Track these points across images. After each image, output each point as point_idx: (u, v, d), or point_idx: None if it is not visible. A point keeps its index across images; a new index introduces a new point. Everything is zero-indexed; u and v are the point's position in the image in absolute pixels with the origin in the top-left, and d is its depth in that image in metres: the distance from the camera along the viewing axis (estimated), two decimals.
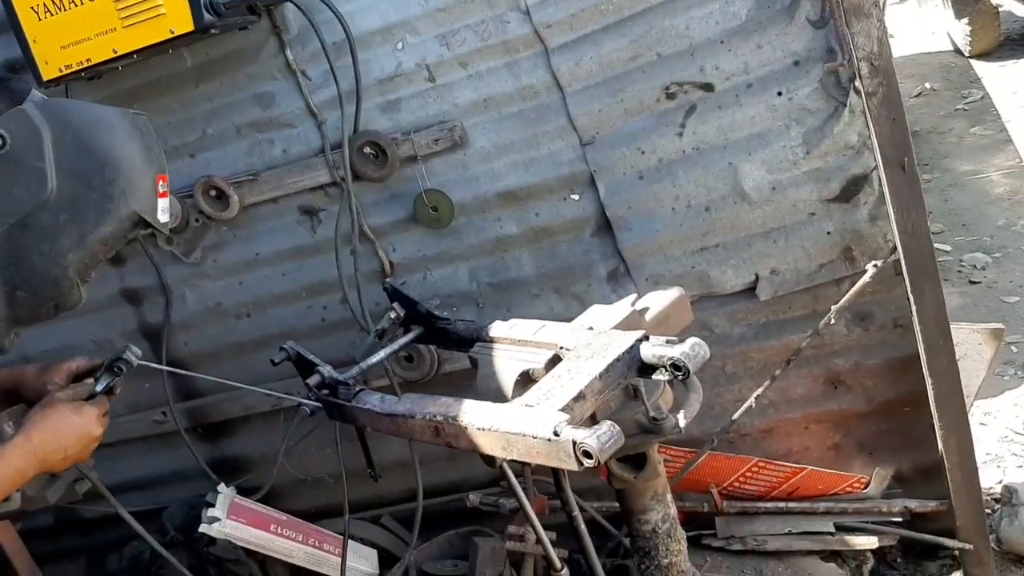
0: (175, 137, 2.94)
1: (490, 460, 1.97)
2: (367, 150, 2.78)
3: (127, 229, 1.80)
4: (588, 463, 1.69)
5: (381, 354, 2.44)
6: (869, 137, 2.52)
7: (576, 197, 2.78)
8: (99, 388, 1.98)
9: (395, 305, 2.56)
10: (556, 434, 1.72)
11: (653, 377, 1.96)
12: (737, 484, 3.02)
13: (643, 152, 2.68)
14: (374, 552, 3.24)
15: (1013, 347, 4.37)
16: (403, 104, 2.77)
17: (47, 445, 1.84)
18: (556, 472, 1.93)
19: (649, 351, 1.93)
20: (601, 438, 1.67)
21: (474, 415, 1.91)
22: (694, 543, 2.95)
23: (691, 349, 1.86)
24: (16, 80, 1.84)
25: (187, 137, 2.95)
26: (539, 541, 2.10)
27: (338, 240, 2.90)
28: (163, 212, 1.86)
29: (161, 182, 1.85)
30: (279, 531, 3.01)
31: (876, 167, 2.53)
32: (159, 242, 3.04)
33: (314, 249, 3.01)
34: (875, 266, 2.64)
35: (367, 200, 2.90)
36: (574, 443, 1.69)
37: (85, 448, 1.92)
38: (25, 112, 1.68)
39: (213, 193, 2.93)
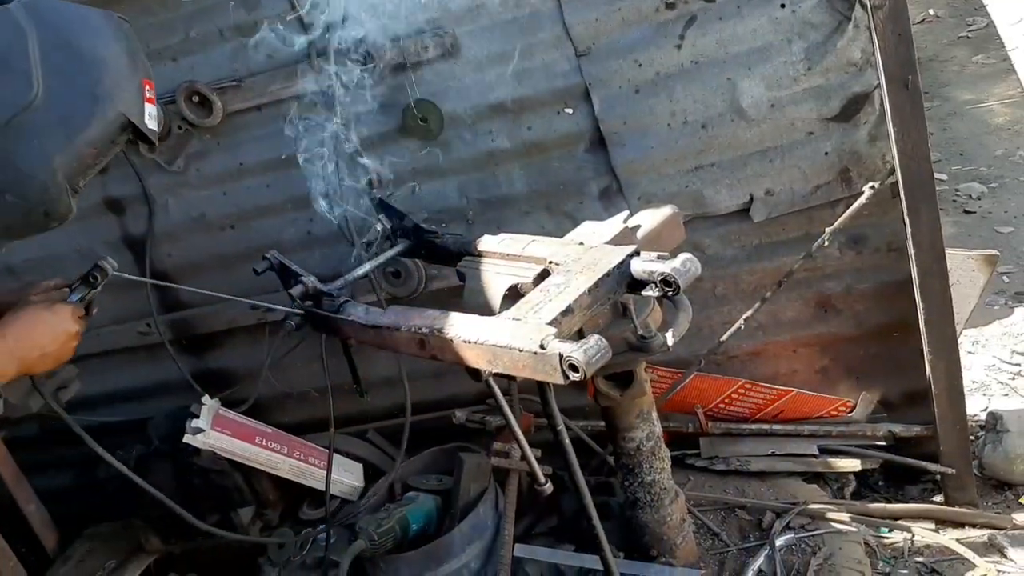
0: (156, 39, 2.83)
1: (476, 374, 1.94)
2: (354, 56, 2.69)
3: (115, 132, 1.76)
4: (574, 377, 1.67)
5: (367, 266, 2.41)
6: (873, 53, 2.44)
7: (570, 111, 2.71)
8: (74, 298, 1.97)
9: (382, 217, 2.52)
10: (543, 347, 1.70)
11: (643, 293, 1.93)
12: (723, 405, 3.02)
13: (640, 65, 2.60)
14: (359, 466, 3.26)
15: (1005, 277, 4.35)
16: (391, 8, 2.66)
17: (22, 342, 1.83)
18: (542, 387, 1.90)
19: (640, 267, 1.90)
20: (588, 352, 1.65)
21: (460, 328, 1.88)
22: (678, 463, 2.97)
23: (682, 265, 1.83)
24: None
25: (169, 40, 2.85)
26: (524, 457, 2.09)
27: (325, 150, 2.83)
28: (150, 118, 1.82)
29: (147, 87, 1.81)
30: (264, 443, 3.01)
31: (879, 85, 2.46)
32: (141, 150, 2.96)
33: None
34: (872, 188, 2.60)
35: (354, 110, 2.81)
36: (560, 356, 1.66)
37: (63, 345, 1.91)
38: (10, 12, 1.64)
39: (196, 99, 2.85)
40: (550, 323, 1.78)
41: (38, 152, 1.68)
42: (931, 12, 8.27)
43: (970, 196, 5.30)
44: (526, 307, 1.89)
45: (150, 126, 1.83)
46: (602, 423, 2.83)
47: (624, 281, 1.93)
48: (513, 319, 1.86)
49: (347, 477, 3.16)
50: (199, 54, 2.86)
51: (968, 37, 7.65)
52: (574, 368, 1.66)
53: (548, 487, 2.23)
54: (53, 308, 1.90)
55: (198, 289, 2.37)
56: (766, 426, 2.97)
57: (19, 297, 2.01)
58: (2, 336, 1.82)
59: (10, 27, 1.63)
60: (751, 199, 2.71)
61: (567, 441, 1.99)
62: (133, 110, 1.77)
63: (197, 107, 2.86)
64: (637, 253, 1.93)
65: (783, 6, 2.49)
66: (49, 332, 1.88)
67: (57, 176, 1.70)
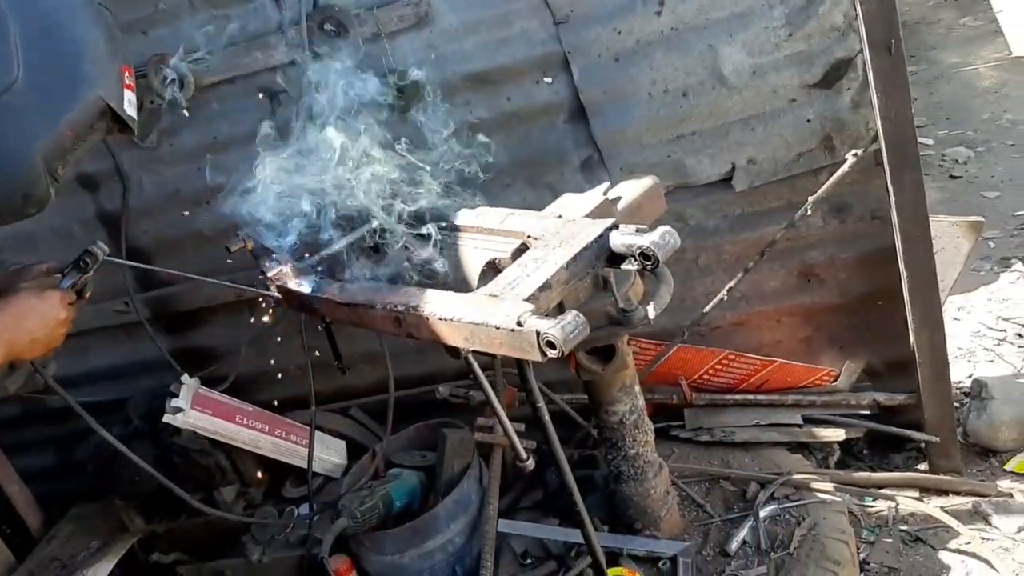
0: (125, 12, 2.75)
1: (455, 352, 1.92)
2: (327, 26, 2.63)
3: (94, 117, 1.76)
4: (552, 353, 1.64)
5: (342, 242, 2.37)
6: (856, 18, 2.40)
7: (549, 80, 2.66)
8: (65, 284, 1.95)
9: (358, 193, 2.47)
10: (520, 324, 1.67)
11: (622, 267, 1.89)
12: (707, 377, 3.01)
13: (619, 33, 2.56)
14: (342, 443, 3.24)
15: (991, 242, 4.33)
16: None
17: (11, 329, 1.82)
18: (520, 363, 1.88)
19: (618, 240, 1.86)
20: (566, 328, 1.62)
21: (436, 305, 1.85)
22: (662, 434, 2.96)
23: (661, 238, 1.79)
24: None
25: (139, 12, 2.78)
26: (504, 430, 2.07)
27: (299, 123, 2.77)
28: (129, 104, 1.83)
29: (127, 74, 1.83)
30: (245, 422, 2.98)
31: (861, 50, 2.42)
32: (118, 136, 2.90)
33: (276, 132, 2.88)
34: (855, 155, 2.57)
35: (328, 81, 2.75)
36: (538, 333, 1.63)
37: (52, 332, 1.89)
38: None
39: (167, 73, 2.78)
40: (527, 299, 1.75)
41: (17, 134, 1.67)
42: None
43: (956, 161, 5.27)
44: (503, 283, 1.86)
45: (129, 112, 1.84)
46: (586, 396, 2.81)
47: (603, 255, 1.89)
48: (490, 295, 1.82)
49: (330, 455, 3.14)
50: (170, 26, 2.79)
51: None
52: (551, 345, 1.63)
53: (530, 463, 2.21)
54: (43, 295, 1.88)
55: (177, 272, 2.33)
56: (750, 396, 2.96)
57: (9, 283, 2.00)
58: None
59: None
60: (733, 168, 2.68)
61: (547, 417, 1.97)
62: (112, 95, 1.77)
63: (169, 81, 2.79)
64: (616, 226, 1.89)
65: None
66: (39, 319, 1.86)
67: (35, 158, 1.69)
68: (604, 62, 2.60)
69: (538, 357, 1.67)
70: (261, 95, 2.84)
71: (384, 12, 2.61)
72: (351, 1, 2.63)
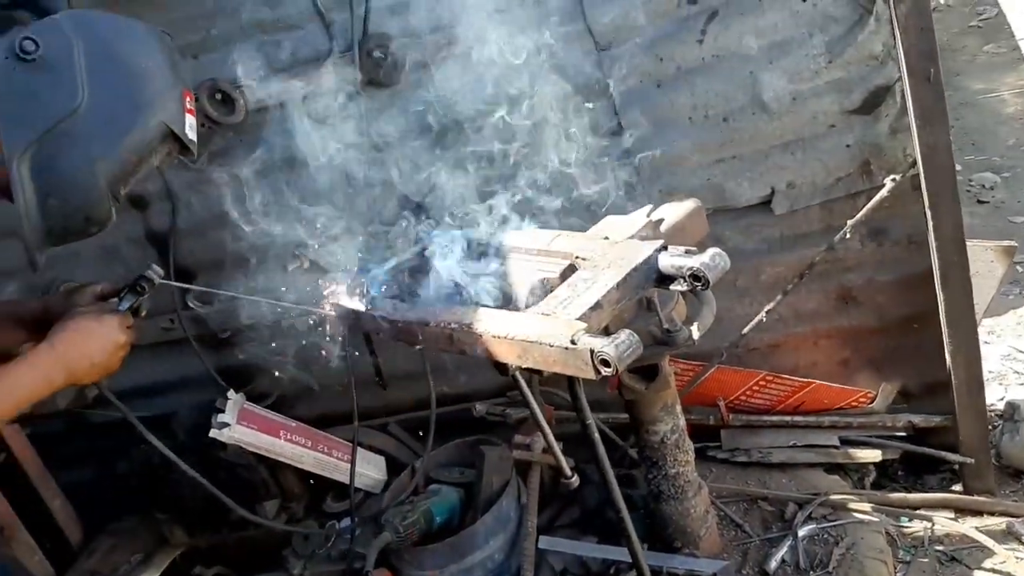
0: (178, 36, 2.78)
1: (503, 369, 1.96)
2: (376, 54, 2.70)
3: (156, 141, 1.81)
4: (605, 371, 1.68)
5: (392, 262, 2.42)
6: (895, 47, 2.45)
7: (590, 106, 2.72)
8: (122, 307, 1.99)
9: (405, 213, 2.54)
10: (573, 343, 1.71)
11: (671, 287, 1.94)
12: (744, 398, 3.04)
13: (661, 59, 2.62)
14: (382, 459, 3.28)
15: (1019, 267, 4.35)
16: (412, 5, 2.67)
17: (71, 352, 1.85)
18: (571, 381, 1.92)
19: (667, 261, 1.91)
20: (620, 347, 1.67)
21: (489, 322, 1.90)
22: (699, 455, 2.98)
23: (711, 259, 1.84)
24: None
25: (190, 37, 2.86)
26: (549, 448, 2.11)
27: (347, 149, 2.85)
28: (191, 128, 1.88)
29: (187, 99, 1.88)
30: (288, 437, 3.04)
31: (900, 78, 2.47)
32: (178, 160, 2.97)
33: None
34: (893, 180, 2.61)
35: (378, 107, 2.83)
36: (592, 352, 1.68)
37: (111, 356, 1.93)
38: (58, 22, 1.71)
39: (219, 97, 2.86)
40: (579, 318, 1.80)
41: (82, 157, 1.73)
42: (941, 0, 8.24)
43: (983, 186, 5.30)
44: (555, 302, 1.91)
45: (190, 136, 1.89)
46: (623, 416, 2.84)
47: (652, 276, 1.94)
48: (542, 314, 1.87)
49: (370, 470, 3.19)
50: (221, 51, 2.87)
51: (978, 26, 7.63)
52: (605, 363, 1.67)
53: (575, 480, 2.26)
54: (102, 319, 1.92)
55: (232, 293, 2.36)
56: (787, 418, 2.99)
57: (63, 304, 2.05)
58: (52, 346, 1.84)
59: (58, 36, 1.69)
60: (773, 192, 2.73)
61: (596, 434, 2.01)
62: (174, 119, 1.83)
63: (220, 105, 2.87)
64: (664, 248, 1.94)
65: (804, 0, 2.50)
66: (98, 343, 1.89)
67: (99, 181, 1.75)
68: (645, 88, 2.66)
69: (592, 375, 1.71)
70: (309, 120, 2.91)
71: (430, 40, 2.67)
72: (398, 29, 2.70)
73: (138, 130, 1.78)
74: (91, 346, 1.89)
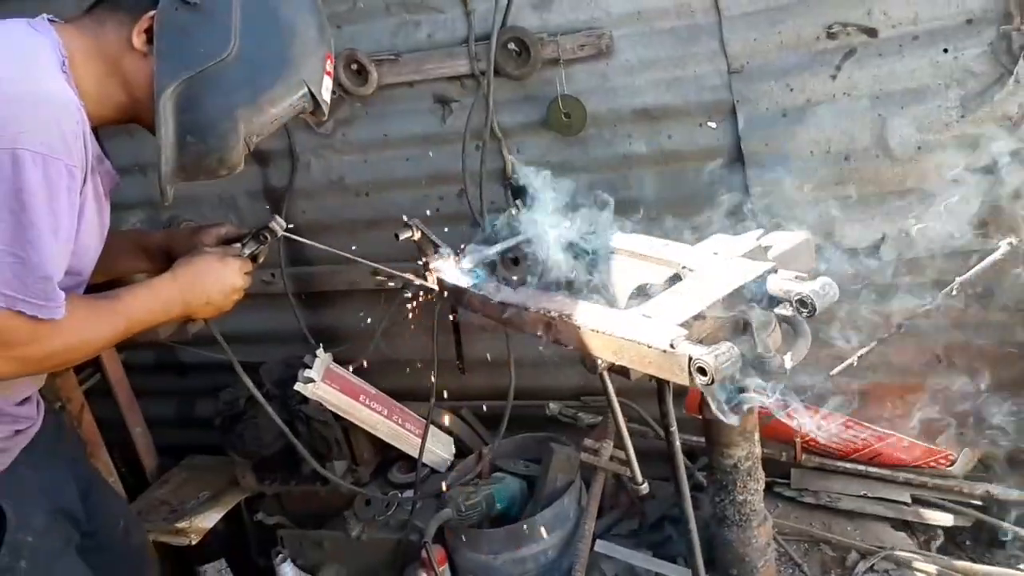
0: (325, 5, 2.94)
1: (592, 366, 1.98)
2: (511, 46, 2.78)
3: (294, 96, 1.90)
4: (701, 380, 1.69)
5: (497, 247, 2.48)
6: None
7: (713, 125, 2.74)
8: (245, 252, 2.09)
9: (517, 202, 2.59)
10: (672, 346, 1.73)
11: (775, 311, 1.95)
12: (820, 439, 3.00)
13: (792, 89, 2.62)
14: (450, 439, 3.35)
15: None
16: (555, 4, 2.74)
17: (191, 287, 1.96)
18: (661, 388, 1.94)
19: (777, 284, 1.92)
20: (719, 357, 1.67)
21: (589, 316, 1.93)
22: (767, 489, 2.94)
23: (821, 288, 1.84)
24: None
25: (337, 7, 2.97)
26: (624, 449, 2.12)
27: (467, 133, 2.93)
28: (326, 90, 1.97)
29: (328, 61, 1.97)
30: (367, 402, 3.12)
31: None
32: (309, 120, 3.08)
33: (441, 139, 3.05)
34: (1010, 244, 2.56)
35: (501, 97, 2.90)
36: (690, 358, 1.69)
37: (227, 297, 2.03)
38: None
39: (354, 67, 2.97)
40: (680, 325, 1.82)
41: (224, 102, 1.82)
42: None
43: None
44: (657, 306, 1.93)
45: (325, 97, 1.97)
46: (692, 438, 2.85)
47: (758, 296, 1.95)
48: (643, 316, 1.90)
49: (439, 448, 3.25)
50: (363, 24, 2.98)
51: None
52: (702, 371, 1.68)
53: (645, 487, 2.26)
54: (225, 260, 2.02)
55: (344, 252, 2.42)
56: (861, 467, 2.94)
57: (186, 241, 2.16)
58: (175, 278, 1.95)
59: None
60: (883, 237, 2.70)
61: (677, 443, 2.02)
62: (314, 78, 1.91)
63: (354, 75, 2.98)
64: (775, 270, 1.95)
65: (946, 51, 2.47)
66: (218, 283, 1.99)
67: (238, 126, 1.84)
68: (771, 115, 2.66)
69: (686, 381, 1.72)
70: (435, 102, 3.00)
71: (567, 39, 2.73)
72: (537, 25, 2.77)
73: (280, 85, 1.87)
74: (211, 285, 1.98)
